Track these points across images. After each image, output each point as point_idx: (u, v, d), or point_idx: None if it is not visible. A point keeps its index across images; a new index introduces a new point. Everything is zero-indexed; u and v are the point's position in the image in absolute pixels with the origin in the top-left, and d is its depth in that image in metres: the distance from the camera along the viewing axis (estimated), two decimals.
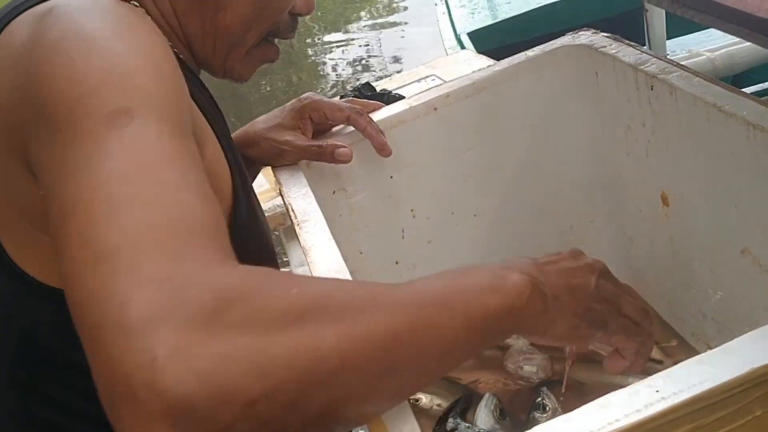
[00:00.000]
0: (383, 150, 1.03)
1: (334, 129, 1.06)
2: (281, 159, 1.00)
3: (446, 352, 0.57)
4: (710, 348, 0.57)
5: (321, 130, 1.05)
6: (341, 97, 1.32)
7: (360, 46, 6.02)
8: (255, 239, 0.86)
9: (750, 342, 0.56)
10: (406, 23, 6.22)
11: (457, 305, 0.57)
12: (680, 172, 1.00)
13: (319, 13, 6.77)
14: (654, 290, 1.13)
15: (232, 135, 1.00)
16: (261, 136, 0.99)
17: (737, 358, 0.54)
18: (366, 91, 1.54)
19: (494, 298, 0.59)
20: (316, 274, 0.78)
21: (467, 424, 0.94)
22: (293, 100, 1.03)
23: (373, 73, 5.37)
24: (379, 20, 6.46)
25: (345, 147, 0.99)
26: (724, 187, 0.92)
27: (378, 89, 1.60)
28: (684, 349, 1.06)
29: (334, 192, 1.07)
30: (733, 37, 2.16)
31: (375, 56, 5.79)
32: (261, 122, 1.02)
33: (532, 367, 1.05)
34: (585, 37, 1.12)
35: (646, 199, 1.08)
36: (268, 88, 5.51)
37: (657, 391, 0.53)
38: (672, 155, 1.01)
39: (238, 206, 0.80)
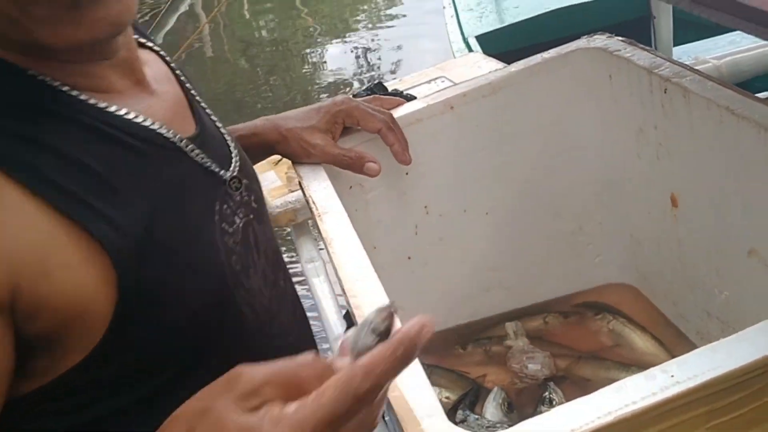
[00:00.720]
0: (404, 162, 1.05)
1: None
2: (307, 159, 1.01)
3: None
4: None
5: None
6: (354, 96, 1.34)
7: (360, 49, 6.06)
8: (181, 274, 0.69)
9: (762, 331, 0.58)
10: (403, 23, 6.28)
11: None
12: (690, 174, 1.02)
13: (318, 18, 6.84)
14: (660, 290, 1.15)
15: (257, 125, 1.00)
16: (293, 134, 1.00)
17: (750, 345, 0.57)
18: (378, 91, 1.56)
19: None
20: (337, 264, 0.80)
21: (476, 416, 0.97)
22: (329, 102, 1.03)
23: (376, 74, 5.40)
24: (378, 24, 6.51)
25: (374, 162, 1.01)
26: (734, 189, 0.94)
27: (389, 89, 1.62)
28: (688, 348, 1.09)
29: (351, 187, 1.10)
30: (739, 45, 2.20)
31: (376, 58, 5.83)
32: (294, 119, 1.02)
33: (536, 365, 1.08)
34: (599, 40, 1.14)
35: (655, 201, 1.10)
36: (270, 94, 5.54)
37: (672, 376, 0.56)
38: (682, 158, 1.03)
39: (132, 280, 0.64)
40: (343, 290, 0.76)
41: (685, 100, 0.98)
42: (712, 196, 0.99)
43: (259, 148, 1.00)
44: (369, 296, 0.73)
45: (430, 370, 1.10)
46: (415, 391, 0.59)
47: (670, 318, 1.13)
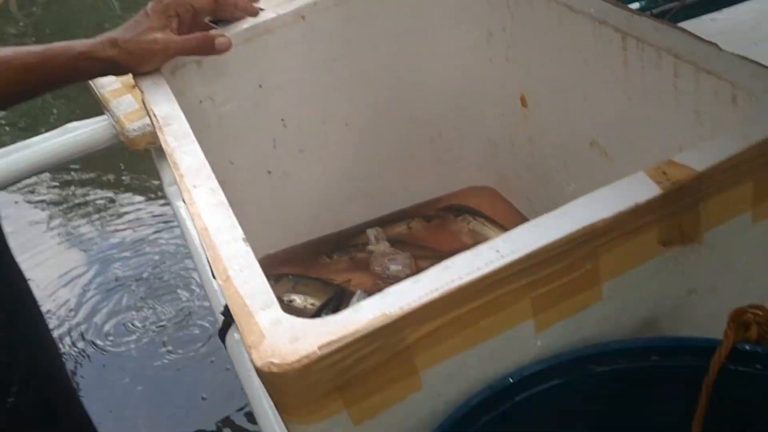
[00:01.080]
0: (254, 14, 1.05)
1: None
2: (154, 60, 0.96)
3: None
4: None
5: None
6: None
7: None
8: None
9: (579, 206, 0.61)
10: None
11: None
12: (536, 73, 1.05)
13: None
14: (515, 189, 1.19)
15: (93, 43, 0.95)
16: (132, 43, 0.94)
17: (567, 219, 0.59)
18: None
19: None
20: (178, 175, 0.78)
21: None
22: (152, 2, 0.97)
23: None
24: None
25: (224, 36, 0.98)
26: (575, 84, 0.97)
27: None
28: None
29: (201, 101, 1.07)
30: None
31: None
32: (128, 30, 0.96)
33: (397, 266, 1.11)
34: None
35: (507, 103, 1.13)
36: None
37: (497, 251, 0.58)
38: (529, 58, 1.06)
39: None
40: (184, 201, 0.74)
41: (529, 2, 1.00)
42: (557, 93, 1.02)
43: (98, 66, 0.95)
44: (209, 206, 0.71)
45: (296, 280, 1.11)
46: (249, 285, 0.59)
47: (526, 214, 1.17)
